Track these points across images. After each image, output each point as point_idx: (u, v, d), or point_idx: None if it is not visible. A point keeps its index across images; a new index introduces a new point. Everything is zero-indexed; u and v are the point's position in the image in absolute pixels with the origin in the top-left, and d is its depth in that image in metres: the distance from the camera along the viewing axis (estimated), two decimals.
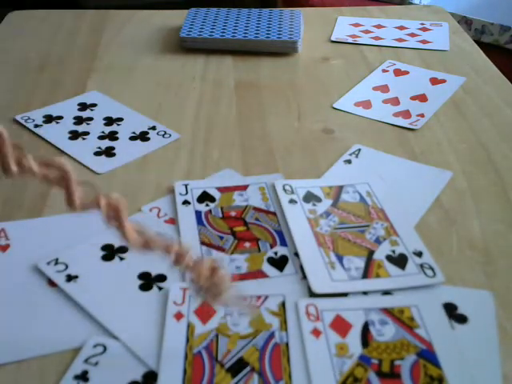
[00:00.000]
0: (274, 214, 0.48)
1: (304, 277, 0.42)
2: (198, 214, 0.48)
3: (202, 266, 0.32)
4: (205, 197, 0.50)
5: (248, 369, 0.36)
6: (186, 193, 0.50)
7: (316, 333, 0.38)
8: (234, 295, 0.33)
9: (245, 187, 0.51)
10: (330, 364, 0.36)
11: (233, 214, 0.48)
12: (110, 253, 0.44)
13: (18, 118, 0.61)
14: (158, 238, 0.31)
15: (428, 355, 0.37)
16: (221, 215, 0.48)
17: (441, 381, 0.35)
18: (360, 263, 0.43)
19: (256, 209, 0.49)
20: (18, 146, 0.28)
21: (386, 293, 0.41)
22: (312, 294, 0.41)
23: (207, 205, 0.49)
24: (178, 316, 0.39)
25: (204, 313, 0.39)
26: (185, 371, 0.36)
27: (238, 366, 0.36)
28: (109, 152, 0.56)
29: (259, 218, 0.48)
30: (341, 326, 0.38)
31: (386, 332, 0.38)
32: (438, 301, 0.40)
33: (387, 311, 0.40)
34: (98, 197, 0.30)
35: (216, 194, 0.50)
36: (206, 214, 0.48)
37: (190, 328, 0.38)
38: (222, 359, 0.36)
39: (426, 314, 0.39)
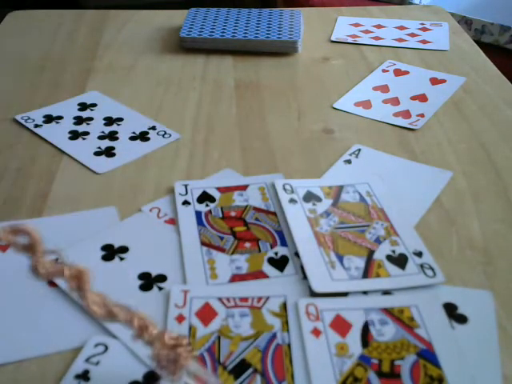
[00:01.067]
0: (274, 213, 0.48)
1: (304, 277, 0.42)
2: (198, 214, 0.48)
3: (164, 339, 0.31)
4: (205, 197, 0.50)
5: (251, 370, 0.36)
6: (186, 193, 0.50)
7: (316, 332, 0.38)
8: (193, 371, 0.32)
9: (245, 187, 0.51)
10: (330, 364, 0.36)
11: (233, 214, 0.48)
12: (110, 253, 0.44)
13: (18, 118, 0.61)
14: (120, 309, 0.31)
15: (428, 355, 0.37)
16: (221, 215, 0.48)
17: (441, 381, 0.35)
18: (360, 263, 0.43)
19: (256, 209, 0.49)
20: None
21: (386, 293, 0.41)
22: (312, 294, 0.41)
23: (207, 205, 0.49)
24: (180, 319, 0.39)
25: (205, 315, 0.39)
26: None
27: (240, 368, 0.36)
28: (109, 152, 0.56)
29: (259, 218, 0.48)
30: (341, 325, 0.38)
31: (386, 332, 0.38)
32: (438, 301, 0.40)
33: (387, 311, 0.40)
34: (62, 267, 0.30)
35: (216, 194, 0.50)
36: (206, 214, 0.48)
37: (191, 330, 0.38)
38: (224, 361, 0.36)
39: (425, 314, 0.39)
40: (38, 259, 0.30)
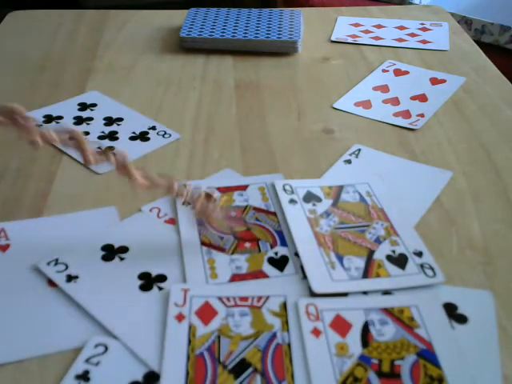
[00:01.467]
0: (275, 214, 0.48)
1: (304, 277, 0.42)
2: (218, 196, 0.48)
3: (199, 197, 0.41)
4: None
5: (251, 370, 0.36)
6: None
7: (316, 332, 0.38)
8: (222, 216, 0.43)
9: (245, 187, 0.51)
10: (330, 364, 0.36)
11: (233, 214, 0.48)
12: (110, 253, 0.44)
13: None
14: (160, 179, 0.39)
15: (428, 355, 0.37)
16: None
17: (441, 381, 0.35)
18: (360, 263, 0.43)
19: (256, 209, 0.49)
20: (38, 122, 0.36)
21: (386, 293, 0.41)
22: (312, 294, 0.41)
23: None
24: (180, 317, 0.39)
25: (205, 314, 0.39)
26: (187, 373, 0.36)
27: (240, 367, 0.36)
28: None
29: (259, 218, 0.48)
30: (341, 325, 0.38)
31: (386, 332, 0.38)
32: (438, 301, 0.40)
33: (387, 311, 0.40)
34: (107, 152, 0.38)
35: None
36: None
37: (191, 329, 0.38)
38: (224, 360, 0.36)
39: (425, 314, 0.39)
40: (86, 151, 0.37)
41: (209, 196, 0.42)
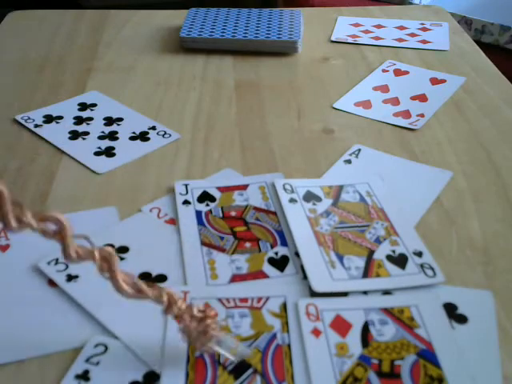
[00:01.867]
0: (275, 213, 0.48)
1: (305, 277, 0.42)
2: (198, 213, 0.48)
3: (192, 312, 0.34)
4: (205, 197, 0.50)
5: (250, 370, 0.36)
6: (187, 193, 0.50)
7: (316, 332, 0.38)
8: (223, 341, 0.35)
9: (245, 187, 0.51)
10: (330, 364, 0.36)
11: (233, 213, 0.48)
12: None
13: (18, 118, 0.61)
14: (148, 288, 0.33)
15: (428, 355, 0.37)
16: (221, 215, 0.48)
17: (441, 381, 0.35)
18: (360, 263, 0.43)
19: (256, 208, 0.49)
20: (18, 203, 0.30)
21: (386, 293, 0.41)
22: (312, 294, 0.41)
23: (207, 205, 0.49)
24: None
25: None
26: (187, 374, 0.36)
27: (240, 368, 0.36)
28: (109, 152, 0.56)
29: (259, 218, 0.48)
30: (341, 325, 0.38)
31: (386, 332, 0.38)
32: (438, 301, 0.40)
33: (387, 311, 0.40)
34: (92, 250, 0.32)
35: (216, 194, 0.50)
36: (207, 213, 0.48)
37: None
38: (224, 361, 0.36)
39: (425, 314, 0.39)
40: (68, 244, 0.32)
41: (204, 318, 0.34)
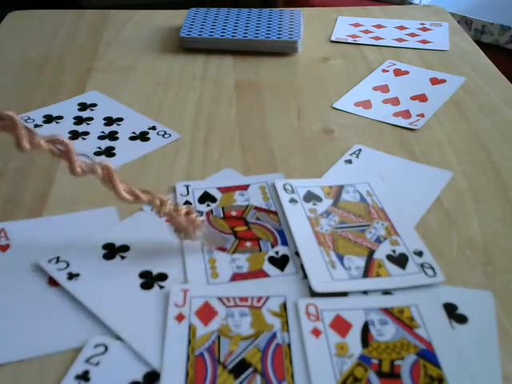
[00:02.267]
0: (275, 213, 0.48)
1: (305, 276, 0.42)
2: (199, 214, 0.48)
3: (180, 211, 0.41)
4: (206, 197, 0.50)
5: (250, 370, 0.36)
6: (188, 193, 0.50)
7: (316, 332, 0.38)
8: (206, 232, 0.43)
9: (246, 187, 0.51)
10: (330, 364, 0.36)
11: (234, 213, 0.48)
12: (111, 251, 0.44)
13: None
14: (143, 193, 0.40)
15: (428, 355, 0.37)
16: (222, 215, 0.48)
17: (441, 381, 0.35)
18: (360, 262, 0.43)
19: (257, 208, 0.49)
20: (30, 129, 0.35)
21: (386, 292, 0.41)
22: (312, 294, 0.41)
23: (208, 205, 0.49)
24: (180, 318, 0.39)
25: (205, 314, 0.39)
26: (187, 373, 0.36)
27: (240, 367, 0.36)
28: (109, 152, 0.56)
29: (260, 218, 0.48)
30: (341, 325, 0.38)
31: (386, 332, 0.38)
32: (438, 301, 0.40)
33: (387, 311, 0.40)
34: (94, 164, 0.38)
35: (217, 194, 0.50)
36: (208, 214, 0.48)
37: (191, 330, 0.38)
38: (224, 360, 0.36)
39: (426, 314, 0.39)
40: (73, 160, 0.37)
41: (188, 213, 0.42)
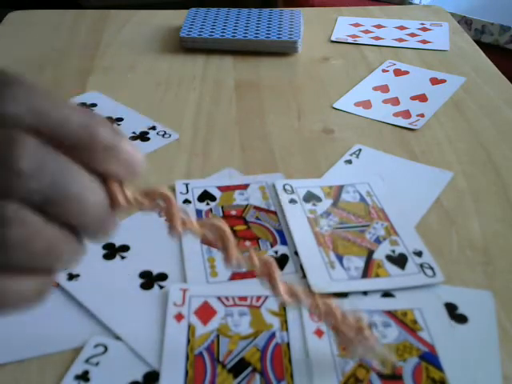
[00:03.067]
0: (275, 213, 0.48)
1: (304, 276, 0.42)
2: (198, 212, 0.48)
3: (349, 322, 0.33)
4: (205, 196, 0.50)
5: (250, 369, 0.36)
6: (187, 192, 0.50)
7: (319, 333, 0.38)
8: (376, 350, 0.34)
9: (245, 186, 0.51)
10: (332, 364, 0.36)
11: (233, 212, 0.48)
12: (111, 251, 0.44)
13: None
14: (305, 295, 0.33)
15: (430, 358, 0.37)
16: (221, 214, 0.48)
17: (443, 383, 0.35)
18: (360, 263, 0.43)
19: (256, 208, 0.49)
20: (184, 210, 0.31)
21: (388, 294, 0.41)
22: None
23: (208, 204, 0.49)
24: (179, 317, 0.39)
25: (204, 314, 0.39)
26: (186, 372, 0.36)
27: (239, 367, 0.36)
28: None
29: (260, 217, 0.48)
30: None
31: (389, 334, 0.38)
32: (442, 304, 0.40)
33: (390, 313, 0.39)
34: (252, 255, 0.33)
35: (217, 193, 0.50)
36: (207, 212, 0.48)
37: (190, 329, 0.38)
38: (223, 360, 0.36)
39: (429, 317, 0.39)
40: (230, 252, 0.32)
41: (359, 326, 0.33)
